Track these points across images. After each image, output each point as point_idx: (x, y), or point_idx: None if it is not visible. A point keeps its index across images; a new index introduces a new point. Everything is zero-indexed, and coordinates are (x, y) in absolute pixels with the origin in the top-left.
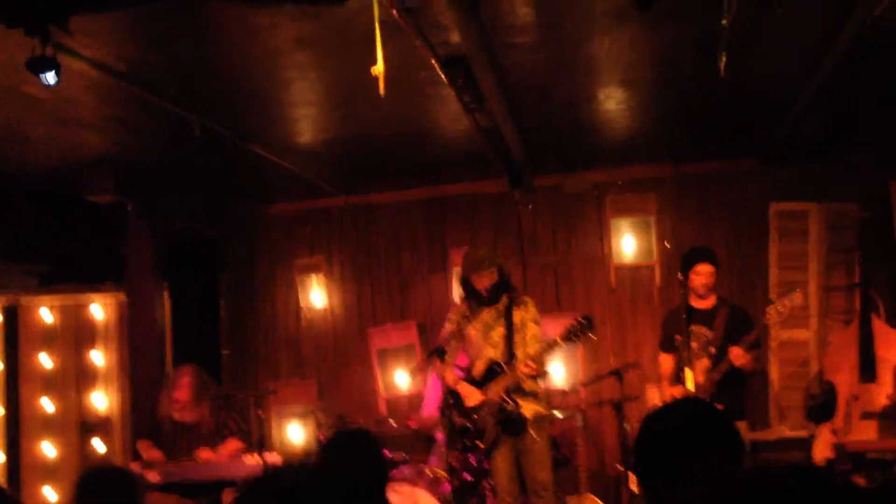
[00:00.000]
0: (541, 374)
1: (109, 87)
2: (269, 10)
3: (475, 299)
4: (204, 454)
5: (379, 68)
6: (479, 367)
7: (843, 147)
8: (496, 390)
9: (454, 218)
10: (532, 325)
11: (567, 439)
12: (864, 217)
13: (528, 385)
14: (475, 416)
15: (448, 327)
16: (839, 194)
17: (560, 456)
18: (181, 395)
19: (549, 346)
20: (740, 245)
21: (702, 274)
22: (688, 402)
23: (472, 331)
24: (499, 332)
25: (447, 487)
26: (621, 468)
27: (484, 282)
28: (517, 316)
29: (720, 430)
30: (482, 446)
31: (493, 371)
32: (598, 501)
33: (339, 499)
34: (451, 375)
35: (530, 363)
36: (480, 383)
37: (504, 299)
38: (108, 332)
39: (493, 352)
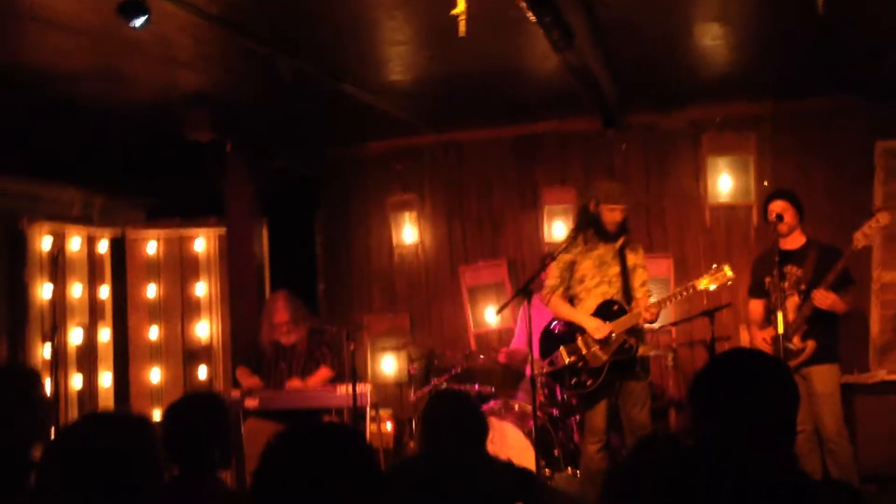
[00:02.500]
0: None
1: (202, 28)
2: None
3: (598, 233)
4: (293, 383)
5: (460, 8)
6: (588, 303)
7: None
8: (617, 328)
9: (545, 156)
10: (642, 270)
11: (657, 386)
12: None
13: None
14: (586, 352)
15: (565, 257)
16: None
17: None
18: (280, 317)
19: (681, 292)
20: (842, 185)
21: (784, 212)
22: (745, 352)
23: (587, 263)
24: (614, 271)
25: (530, 423)
26: None
27: (616, 216)
28: (630, 258)
29: (770, 382)
30: (590, 383)
31: (609, 309)
32: None
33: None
34: (569, 307)
35: (652, 309)
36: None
37: (622, 239)
38: (210, 264)
39: (609, 289)
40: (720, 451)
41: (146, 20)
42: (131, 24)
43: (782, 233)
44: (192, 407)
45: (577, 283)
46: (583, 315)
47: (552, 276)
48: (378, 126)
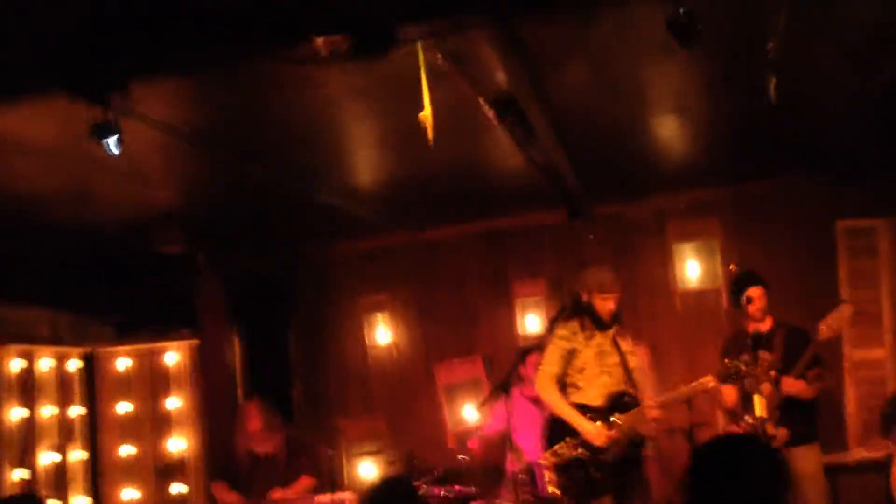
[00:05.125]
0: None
1: (173, 146)
2: (321, 66)
3: (592, 322)
4: (276, 494)
5: (426, 114)
6: (589, 393)
7: None
8: (629, 426)
9: (516, 250)
10: (633, 357)
11: None
12: None
13: None
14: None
15: (564, 346)
16: None
17: None
18: (253, 425)
19: (695, 390)
20: (806, 265)
21: (756, 298)
22: (733, 439)
23: (589, 353)
24: (613, 360)
25: None
26: None
27: (610, 304)
28: (623, 346)
29: (763, 468)
30: (599, 476)
31: (620, 401)
32: None
33: None
34: (568, 406)
35: (660, 410)
36: (600, 412)
37: (615, 327)
38: (182, 377)
39: (609, 379)
40: None
41: (118, 142)
42: (106, 148)
43: (756, 318)
44: None
45: (577, 372)
46: (580, 419)
47: (550, 362)
48: (348, 227)
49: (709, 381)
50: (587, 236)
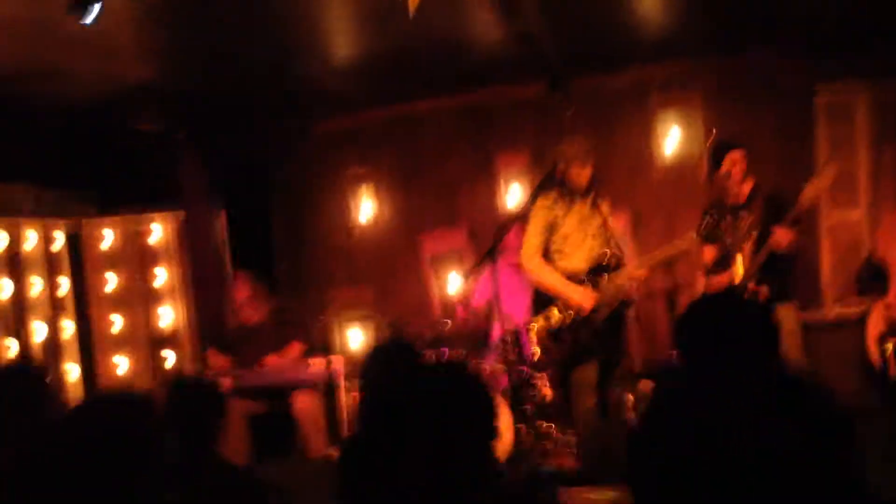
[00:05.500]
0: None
1: (147, 19)
2: None
3: (569, 192)
4: (270, 360)
5: None
6: (577, 257)
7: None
8: (614, 286)
9: (497, 123)
10: (612, 219)
11: None
12: None
13: None
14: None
15: (546, 216)
16: (889, 80)
17: None
18: (241, 293)
19: (678, 248)
20: (787, 133)
21: (737, 160)
22: (725, 295)
23: (572, 220)
24: (596, 223)
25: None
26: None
27: (587, 174)
28: (604, 209)
29: (755, 323)
30: (587, 338)
31: (605, 263)
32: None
33: None
34: (553, 275)
35: (642, 270)
36: (587, 276)
37: (593, 193)
38: (169, 250)
39: (594, 242)
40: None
41: (95, 13)
42: (82, 20)
43: (736, 181)
44: (192, 385)
45: (562, 239)
46: (567, 286)
47: (533, 233)
48: (329, 103)
49: (690, 238)
50: (567, 109)
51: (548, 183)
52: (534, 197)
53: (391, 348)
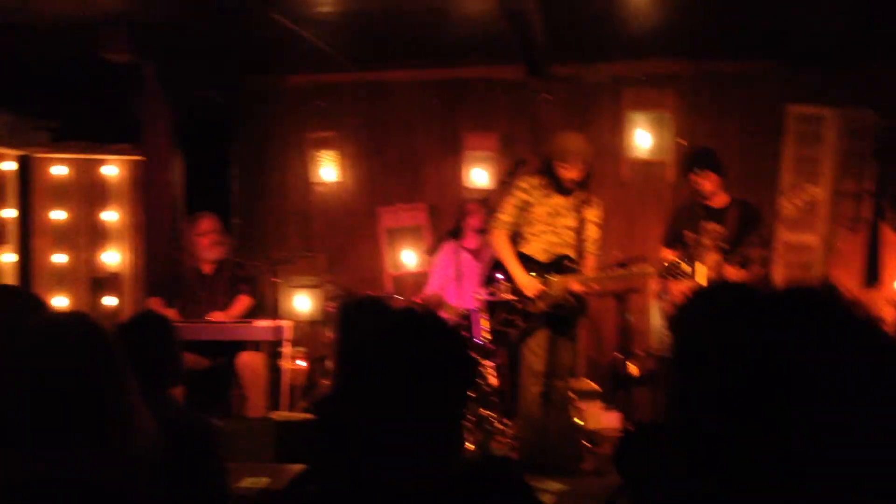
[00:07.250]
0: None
1: None
2: None
3: (552, 184)
4: (215, 316)
5: None
6: (533, 246)
7: (865, 55)
8: (561, 287)
9: (469, 102)
10: (594, 228)
11: None
12: (881, 125)
13: None
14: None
15: (522, 196)
16: (858, 102)
17: None
18: (206, 226)
19: (630, 273)
20: (753, 146)
21: (708, 180)
22: (728, 286)
23: (542, 210)
24: (566, 223)
25: None
26: (619, 356)
27: (572, 174)
28: (588, 214)
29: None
30: (520, 324)
31: (561, 264)
32: (593, 385)
33: None
34: (511, 254)
35: (593, 285)
36: (542, 267)
37: (578, 193)
38: (122, 191)
39: (554, 239)
40: None
41: None
42: None
43: (707, 197)
44: (145, 324)
45: (527, 224)
46: (519, 270)
47: (505, 211)
48: (301, 59)
49: (646, 268)
50: (542, 96)
51: (535, 167)
52: (510, 177)
53: (365, 301)
